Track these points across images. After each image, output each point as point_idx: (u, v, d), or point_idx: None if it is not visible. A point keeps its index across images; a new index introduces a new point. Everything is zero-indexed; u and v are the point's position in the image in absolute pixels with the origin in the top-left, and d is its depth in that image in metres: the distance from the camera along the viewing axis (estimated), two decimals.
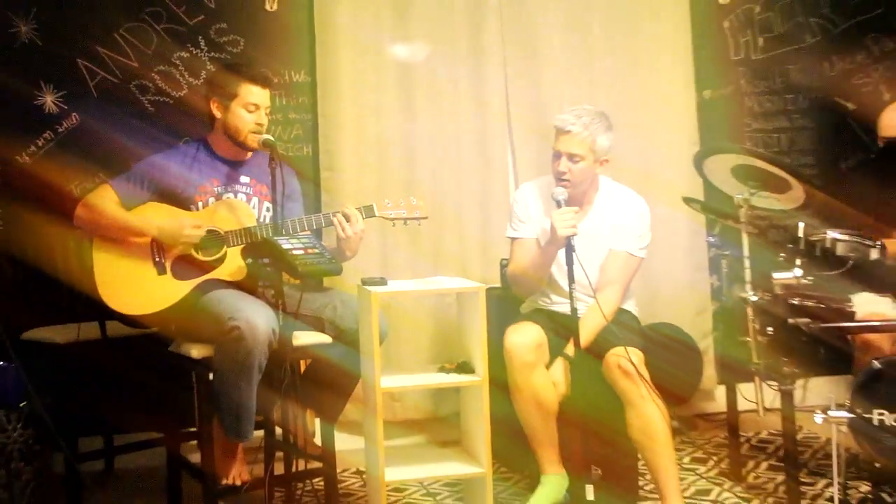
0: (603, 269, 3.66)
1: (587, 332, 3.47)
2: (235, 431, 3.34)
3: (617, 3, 4.84)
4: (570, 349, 3.42)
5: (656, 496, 3.51)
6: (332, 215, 3.54)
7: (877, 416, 3.21)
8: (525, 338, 3.48)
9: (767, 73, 5.09)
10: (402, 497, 3.84)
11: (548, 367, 3.52)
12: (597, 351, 3.48)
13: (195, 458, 3.54)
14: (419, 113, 4.68)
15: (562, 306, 3.54)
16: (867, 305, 3.64)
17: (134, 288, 3.41)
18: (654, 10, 4.86)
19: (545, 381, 3.48)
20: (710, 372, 4.86)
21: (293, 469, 3.44)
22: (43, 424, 3.24)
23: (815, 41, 5.10)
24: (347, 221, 3.49)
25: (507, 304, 4.03)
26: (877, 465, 3.34)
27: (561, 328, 3.56)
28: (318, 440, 3.68)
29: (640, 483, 3.76)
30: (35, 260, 4.09)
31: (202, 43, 4.49)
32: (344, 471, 4.05)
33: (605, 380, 3.47)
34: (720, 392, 4.65)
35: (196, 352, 3.32)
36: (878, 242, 3.45)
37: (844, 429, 3.24)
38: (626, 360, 3.36)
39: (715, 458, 4.25)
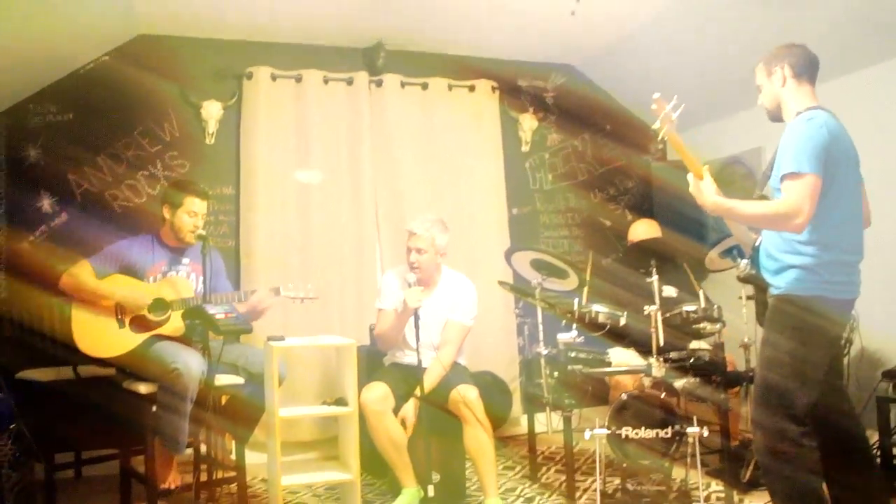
0: (442, 334, 3.65)
1: (430, 379, 3.46)
2: (173, 447, 3.29)
3: (453, 147, 4.97)
4: (419, 391, 3.37)
5: (479, 493, 3.52)
6: (250, 292, 3.55)
7: (624, 432, 3.37)
8: (374, 394, 3.44)
9: (554, 198, 5.32)
10: (296, 498, 3.79)
11: (395, 411, 3.46)
12: (441, 392, 3.46)
13: (141, 468, 3.44)
14: (312, 216, 4.70)
15: (412, 359, 3.45)
16: (618, 356, 3.81)
17: (102, 337, 3.34)
18: (479, 152, 5.05)
19: (393, 423, 3.43)
20: (517, 405, 4.94)
21: (214, 477, 3.39)
22: (27, 442, 3.16)
23: (584, 179, 5.39)
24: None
25: (373, 356, 4.02)
26: (624, 465, 3.51)
27: (410, 377, 3.49)
28: (233, 456, 3.62)
29: (468, 484, 3.78)
30: (28, 320, 4.00)
31: (159, 165, 4.52)
32: (252, 479, 3.96)
33: (444, 412, 3.45)
34: (524, 419, 4.73)
35: (143, 389, 3.28)
36: (625, 312, 3.61)
37: (604, 441, 3.37)
38: (467, 395, 3.41)
39: (520, 465, 4.29)
